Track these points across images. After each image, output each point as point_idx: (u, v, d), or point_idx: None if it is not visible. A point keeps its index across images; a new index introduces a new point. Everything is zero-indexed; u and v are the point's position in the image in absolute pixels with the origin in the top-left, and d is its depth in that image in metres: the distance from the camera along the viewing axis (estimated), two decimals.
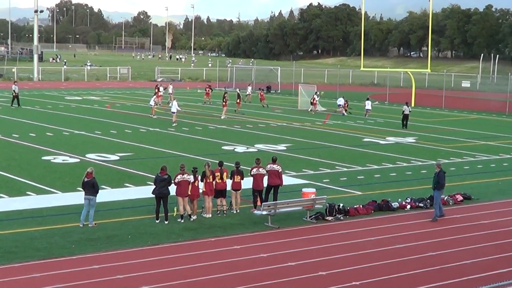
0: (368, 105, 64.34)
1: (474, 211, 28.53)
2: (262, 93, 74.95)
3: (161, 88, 70.11)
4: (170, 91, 71.68)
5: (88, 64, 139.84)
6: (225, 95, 60.53)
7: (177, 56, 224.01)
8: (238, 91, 67.56)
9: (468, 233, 24.96)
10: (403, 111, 56.68)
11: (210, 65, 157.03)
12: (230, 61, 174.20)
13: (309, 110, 66.76)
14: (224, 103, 59.21)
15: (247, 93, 77.24)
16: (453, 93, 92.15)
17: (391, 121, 60.49)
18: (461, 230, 25.32)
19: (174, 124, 52.72)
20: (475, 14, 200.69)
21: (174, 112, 53.75)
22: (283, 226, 25.11)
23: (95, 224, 24.32)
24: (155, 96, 61.16)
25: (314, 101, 67.25)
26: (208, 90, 73.42)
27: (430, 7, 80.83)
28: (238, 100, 64.39)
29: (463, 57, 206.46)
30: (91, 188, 24.39)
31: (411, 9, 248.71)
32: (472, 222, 26.63)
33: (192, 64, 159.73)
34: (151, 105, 59.16)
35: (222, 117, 58.44)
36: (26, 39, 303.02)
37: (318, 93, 69.54)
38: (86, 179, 24.45)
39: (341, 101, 67.04)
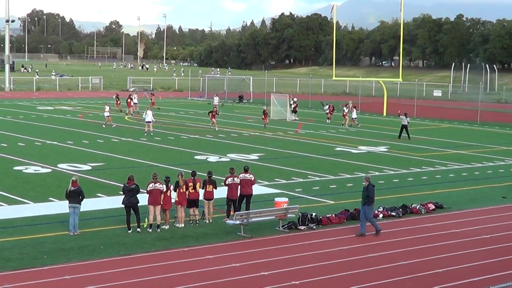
0: (354, 113, 64.05)
1: (446, 220, 28.65)
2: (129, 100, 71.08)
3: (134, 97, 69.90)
4: (135, 101, 70.89)
5: (53, 73, 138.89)
6: (215, 108, 60.10)
7: (146, 66, 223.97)
8: (265, 108, 64.92)
9: (440, 242, 25.05)
10: (402, 121, 55.90)
11: (182, 74, 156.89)
12: (218, 70, 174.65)
13: (341, 124, 64.17)
14: (212, 115, 58.31)
15: (214, 103, 76.86)
16: (424, 102, 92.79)
17: (363, 130, 60.67)
18: (433, 239, 25.40)
19: (146, 134, 52.59)
20: (446, 24, 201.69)
21: (148, 122, 53.55)
22: (255, 235, 25.10)
23: (80, 232, 24.46)
24: (107, 107, 59.79)
25: (344, 113, 64.73)
26: (119, 101, 72.41)
27: (401, 16, 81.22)
28: (263, 116, 62.33)
29: (434, 67, 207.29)
30: (77, 196, 24.49)
31: (382, 18, 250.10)
32: (444, 230, 26.74)
33: (174, 74, 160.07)
34: (106, 115, 58.49)
35: (216, 129, 57.61)
36: None
37: (348, 104, 67.44)
38: (72, 188, 24.47)
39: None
